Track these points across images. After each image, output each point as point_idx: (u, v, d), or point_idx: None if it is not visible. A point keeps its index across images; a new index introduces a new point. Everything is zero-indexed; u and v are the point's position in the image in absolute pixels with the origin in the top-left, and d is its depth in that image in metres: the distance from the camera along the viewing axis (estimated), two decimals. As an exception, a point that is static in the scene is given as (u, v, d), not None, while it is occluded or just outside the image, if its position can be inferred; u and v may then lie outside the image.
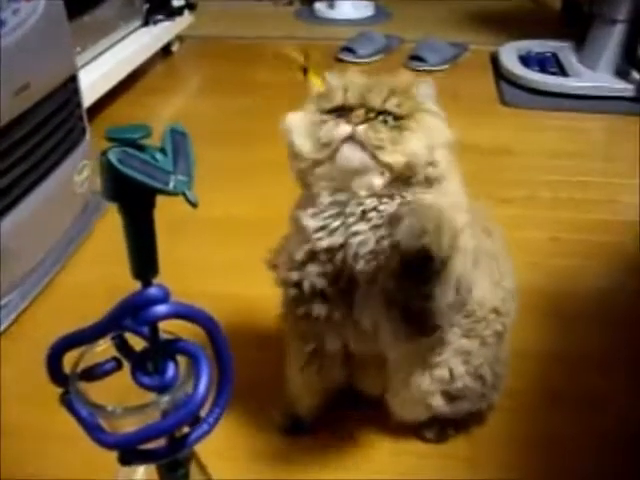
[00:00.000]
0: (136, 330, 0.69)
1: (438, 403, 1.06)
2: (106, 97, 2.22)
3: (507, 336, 1.09)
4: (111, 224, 1.64)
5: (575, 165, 2.09)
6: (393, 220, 0.85)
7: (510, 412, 1.20)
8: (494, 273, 1.02)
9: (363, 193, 0.86)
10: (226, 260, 1.57)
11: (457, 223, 0.85)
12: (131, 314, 0.62)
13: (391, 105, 0.87)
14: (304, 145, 0.88)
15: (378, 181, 0.85)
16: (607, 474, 1.12)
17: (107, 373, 0.71)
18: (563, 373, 1.31)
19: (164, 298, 0.63)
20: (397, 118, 0.86)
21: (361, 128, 0.84)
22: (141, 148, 0.57)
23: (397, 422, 1.12)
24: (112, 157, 0.53)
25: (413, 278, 0.84)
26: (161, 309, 0.62)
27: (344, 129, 0.85)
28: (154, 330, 0.66)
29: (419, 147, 0.85)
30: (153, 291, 0.62)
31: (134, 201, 0.58)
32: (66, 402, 0.68)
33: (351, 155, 0.84)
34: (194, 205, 0.56)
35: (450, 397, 1.06)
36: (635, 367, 1.33)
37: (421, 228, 0.80)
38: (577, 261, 1.64)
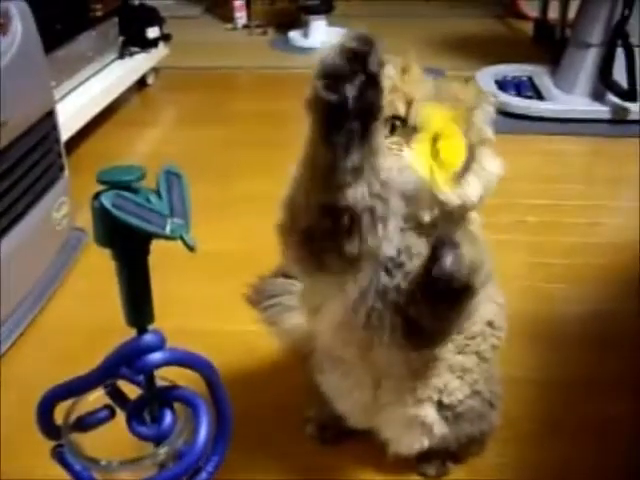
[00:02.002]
0: (131, 378, 0.66)
1: (435, 421, 1.03)
2: (83, 131, 2.19)
3: (498, 352, 1.07)
4: (92, 261, 1.63)
5: (557, 189, 2.09)
6: (433, 248, 0.81)
7: (509, 441, 1.18)
8: (487, 287, 1.01)
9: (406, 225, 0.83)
10: (208, 296, 1.55)
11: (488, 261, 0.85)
12: (126, 363, 0.60)
13: None
14: None
15: (426, 216, 0.82)
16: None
17: (100, 422, 0.69)
18: (559, 399, 1.30)
19: (160, 345, 0.61)
20: None
21: None
22: (135, 191, 0.54)
23: (395, 454, 1.09)
24: (106, 202, 0.51)
25: (436, 304, 0.83)
26: (157, 357, 0.60)
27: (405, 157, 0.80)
28: (150, 378, 0.64)
29: (478, 193, 0.82)
30: (149, 338, 0.60)
31: (129, 247, 0.56)
32: (58, 456, 0.65)
33: (408, 179, 0.79)
34: (192, 249, 0.54)
35: (450, 417, 1.04)
36: (631, 389, 1.32)
37: (465, 265, 0.78)
38: (565, 285, 1.63)
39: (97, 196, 0.54)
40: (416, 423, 1.03)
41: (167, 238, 0.53)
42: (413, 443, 1.06)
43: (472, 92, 0.86)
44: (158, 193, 0.56)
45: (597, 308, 1.55)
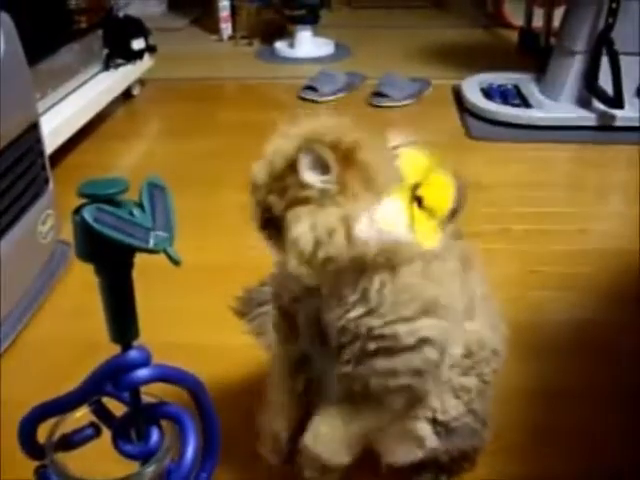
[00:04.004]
0: (116, 395, 0.65)
1: (428, 435, 1.02)
2: (68, 144, 2.18)
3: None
4: (78, 274, 1.61)
5: (544, 196, 2.09)
6: None
7: (501, 453, 1.16)
8: (493, 316, 1.00)
9: None
10: (193, 310, 1.53)
11: None
12: (111, 380, 0.59)
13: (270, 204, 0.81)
14: None
15: None
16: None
17: (85, 441, 0.67)
18: (549, 409, 1.29)
19: (146, 361, 0.59)
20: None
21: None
22: (117, 204, 0.53)
23: (388, 465, 1.07)
24: (87, 215, 0.50)
25: None
26: (143, 373, 0.59)
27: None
28: (135, 395, 0.62)
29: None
30: (134, 354, 0.59)
31: (112, 261, 0.54)
32: (42, 476, 0.63)
33: None
34: (177, 263, 0.53)
35: (442, 433, 1.02)
36: (620, 398, 1.31)
37: None
38: (553, 293, 1.62)
39: (78, 210, 0.53)
40: (409, 437, 1.02)
41: (150, 252, 0.52)
42: (406, 455, 1.05)
43: (292, 142, 0.81)
44: (141, 206, 0.54)
45: (585, 316, 1.54)
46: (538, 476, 1.15)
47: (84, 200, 0.54)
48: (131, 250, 0.53)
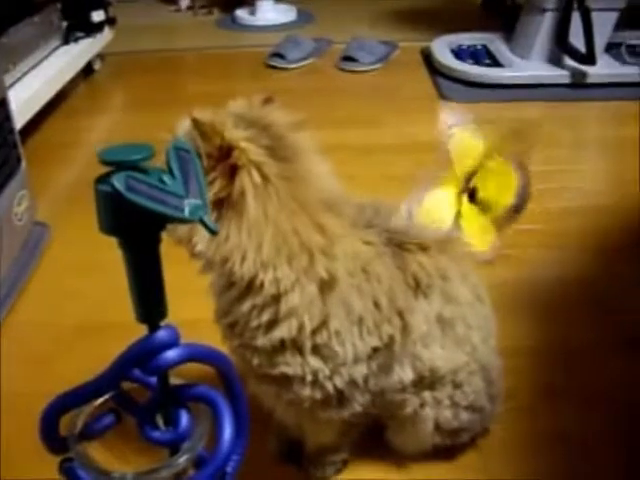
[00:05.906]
0: (142, 380, 0.60)
1: (437, 441, 1.02)
2: (32, 122, 2.09)
3: (492, 359, 1.03)
4: (57, 256, 1.55)
5: (521, 155, 2.08)
6: None
7: (512, 413, 1.15)
8: (456, 334, 0.92)
9: None
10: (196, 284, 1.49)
11: None
12: (139, 364, 0.54)
13: None
14: None
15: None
16: (616, 466, 1.09)
17: (106, 429, 0.63)
18: (555, 366, 1.29)
19: (175, 341, 0.55)
20: None
21: None
22: (144, 171, 0.48)
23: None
24: (118, 184, 0.45)
25: None
26: (173, 354, 0.54)
27: None
28: (164, 378, 0.58)
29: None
30: (162, 335, 0.54)
31: (140, 233, 0.49)
32: (67, 471, 0.59)
33: None
34: (214, 232, 0.49)
35: (449, 434, 1.02)
36: (623, 353, 1.31)
37: None
38: (545, 251, 1.62)
39: (102, 179, 0.48)
40: (416, 440, 1.03)
41: (185, 221, 0.47)
42: (415, 450, 1.06)
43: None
44: (170, 172, 0.49)
45: (570, 273, 1.54)
46: (552, 436, 1.14)
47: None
48: (163, 221, 0.49)
